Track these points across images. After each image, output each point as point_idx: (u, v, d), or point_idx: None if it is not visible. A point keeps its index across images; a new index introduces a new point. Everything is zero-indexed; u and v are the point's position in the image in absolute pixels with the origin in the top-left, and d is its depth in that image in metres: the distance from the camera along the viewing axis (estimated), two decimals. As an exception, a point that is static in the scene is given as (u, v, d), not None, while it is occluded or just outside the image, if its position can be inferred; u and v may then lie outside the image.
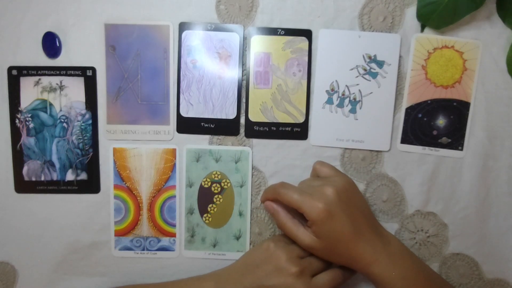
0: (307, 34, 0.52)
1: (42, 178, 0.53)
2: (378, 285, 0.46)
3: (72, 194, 0.53)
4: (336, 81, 0.52)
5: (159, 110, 0.53)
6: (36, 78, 0.52)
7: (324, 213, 0.44)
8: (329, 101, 0.53)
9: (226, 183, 0.54)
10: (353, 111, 0.53)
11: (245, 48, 0.52)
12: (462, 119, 0.53)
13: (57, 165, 0.53)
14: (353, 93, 0.53)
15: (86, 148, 0.53)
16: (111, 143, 0.53)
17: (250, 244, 0.54)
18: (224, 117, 0.53)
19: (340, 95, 0.53)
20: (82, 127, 0.53)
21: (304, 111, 0.53)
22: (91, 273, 0.54)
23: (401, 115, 0.53)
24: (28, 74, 0.52)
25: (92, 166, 0.53)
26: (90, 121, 0.53)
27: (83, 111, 0.53)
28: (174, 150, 0.53)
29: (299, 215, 0.47)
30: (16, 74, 0.52)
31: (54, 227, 0.54)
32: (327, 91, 0.53)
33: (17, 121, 0.52)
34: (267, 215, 0.54)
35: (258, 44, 0.52)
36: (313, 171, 0.52)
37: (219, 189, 0.54)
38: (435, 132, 0.53)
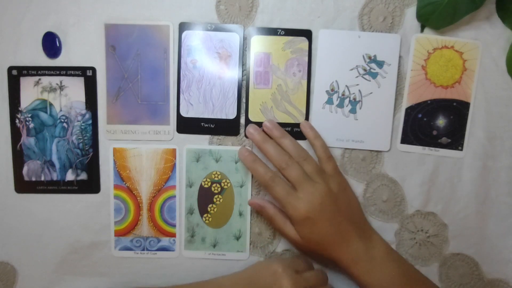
0: (307, 34, 0.52)
1: (42, 178, 0.53)
2: (358, 285, 0.48)
3: (72, 194, 0.53)
4: (336, 81, 0.52)
5: (159, 110, 0.53)
6: (36, 78, 0.52)
7: (304, 217, 0.46)
8: (329, 101, 0.53)
9: (226, 183, 0.54)
10: (353, 111, 0.53)
11: (245, 48, 0.52)
12: (462, 119, 0.53)
13: (57, 165, 0.53)
14: (353, 93, 0.53)
15: (86, 148, 0.53)
16: (111, 143, 0.53)
17: (250, 244, 0.54)
18: (224, 117, 0.53)
19: (340, 95, 0.53)
20: (82, 127, 0.53)
21: (304, 111, 0.53)
22: (91, 273, 0.54)
23: (401, 115, 0.53)
24: (28, 74, 0.52)
25: (92, 166, 0.53)
26: (90, 121, 0.53)
27: (83, 111, 0.53)
28: (174, 150, 0.53)
29: None
30: (16, 74, 0.52)
31: (54, 227, 0.54)
32: (327, 91, 0.53)
33: (17, 121, 0.52)
34: (267, 215, 0.54)
35: (258, 44, 0.52)
36: (318, 156, 0.51)
37: (219, 189, 0.54)
38: (435, 132, 0.53)
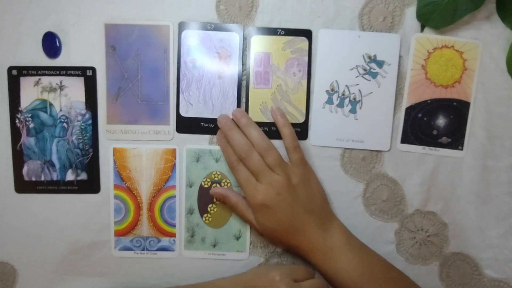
0: (307, 34, 0.52)
1: (42, 178, 0.53)
2: (319, 273, 0.49)
3: (72, 194, 0.53)
4: (336, 81, 0.52)
5: (159, 110, 0.53)
6: (36, 78, 0.52)
7: (260, 204, 0.47)
8: (329, 101, 0.53)
9: (226, 183, 0.54)
10: (353, 111, 0.53)
11: (245, 48, 0.52)
12: (462, 119, 0.53)
13: (57, 165, 0.53)
14: (353, 93, 0.53)
15: (86, 148, 0.53)
16: (111, 143, 0.53)
17: (250, 244, 0.54)
18: (224, 117, 0.53)
19: (340, 95, 0.53)
20: (82, 127, 0.53)
21: (304, 111, 0.53)
22: (91, 273, 0.54)
23: (401, 115, 0.53)
24: (28, 74, 0.52)
25: (92, 166, 0.53)
26: (90, 121, 0.53)
27: (83, 111, 0.53)
28: (174, 150, 0.53)
29: None
30: (16, 74, 0.52)
31: (54, 227, 0.54)
32: (327, 91, 0.53)
33: (17, 121, 0.52)
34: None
35: (258, 44, 0.52)
36: (285, 145, 0.50)
37: (219, 189, 0.54)
38: (435, 132, 0.53)
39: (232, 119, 0.51)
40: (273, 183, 0.47)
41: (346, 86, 0.52)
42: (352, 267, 0.47)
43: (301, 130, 0.53)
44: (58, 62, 0.52)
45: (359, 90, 0.52)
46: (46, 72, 0.52)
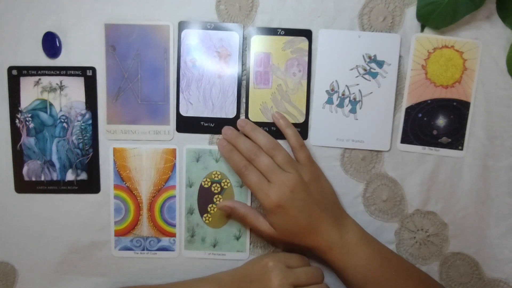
0: (307, 34, 0.52)
1: (42, 178, 0.53)
2: (335, 271, 0.49)
3: (72, 194, 0.53)
4: (336, 81, 0.52)
5: (159, 110, 0.53)
6: (36, 78, 0.52)
7: (276, 205, 0.46)
8: (329, 101, 0.53)
9: (226, 183, 0.54)
10: (353, 111, 0.53)
11: (245, 48, 0.52)
12: (462, 119, 0.53)
13: (57, 165, 0.53)
14: (353, 93, 0.53)
15: (86, 148, 0.53)
16: (111, 143, 0.53)
17: (250, 244, 0.54)
18: (224, 116, 0.53)
19: (340, 95, 0.53)
20: (82, 127, 0.53)
21: (304, 111, 0.53)
22: (91, 273, 0.54)
23: (401, 115, 0.53)
24: (28, 74, 0.52)
25: (92, 166, 0.53)
26: (90, 121, 0.53)
27: (83, 111, 0.53)
28: (174, 150, 0.53)
29: None
30: (16, 74, 0.52)
31: (54, 227, 0.54)
32: (327, 91, 0.53)
33: (17, 121, 0.52)
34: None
35: (258, 44, 0.52)
36: (290, 145, 0.51)
37: (219, 189, 0.54)
38: (435, 132, 0.53)
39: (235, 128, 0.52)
40: (286, 182, 0.47)
41: (346, 86, 0.52)
42: (371, 260, 0.47)
43: (301, 130, 0.53)
44: (58, 62, 0.52)
45: (359, 90, 0.52)
46: (46, 72, 0.52)
